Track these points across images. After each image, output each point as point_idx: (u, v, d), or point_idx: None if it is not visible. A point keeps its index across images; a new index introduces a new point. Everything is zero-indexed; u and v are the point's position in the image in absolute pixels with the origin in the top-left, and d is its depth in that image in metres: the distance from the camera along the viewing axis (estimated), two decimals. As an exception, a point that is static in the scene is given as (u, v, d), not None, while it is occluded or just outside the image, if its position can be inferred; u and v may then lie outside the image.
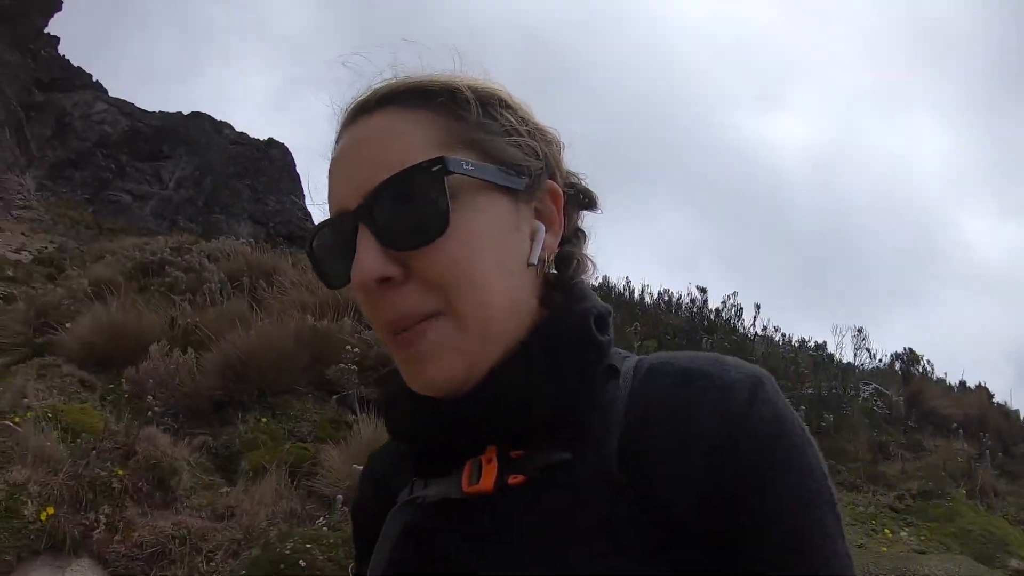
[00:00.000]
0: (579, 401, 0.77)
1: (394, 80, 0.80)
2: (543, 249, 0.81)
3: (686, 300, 14.80)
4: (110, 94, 46.06)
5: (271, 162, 45.33)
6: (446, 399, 0.77)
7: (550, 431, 0.75)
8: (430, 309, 0.74)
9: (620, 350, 0.84)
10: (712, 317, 13.67)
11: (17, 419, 4.98)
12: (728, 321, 13.74)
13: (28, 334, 9.02)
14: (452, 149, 0.75)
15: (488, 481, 0.75)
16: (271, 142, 47.34)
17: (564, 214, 0.85)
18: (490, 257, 0.75)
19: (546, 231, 0.82)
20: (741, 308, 13.85)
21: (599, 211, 0.92)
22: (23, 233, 27.45)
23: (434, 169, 0.72)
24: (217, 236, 19.78)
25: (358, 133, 0.79)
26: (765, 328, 14.21)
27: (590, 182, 0.92)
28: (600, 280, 14.15)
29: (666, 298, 14.78)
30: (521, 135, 0.80)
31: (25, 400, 5.66)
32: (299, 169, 42.66)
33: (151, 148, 42.89)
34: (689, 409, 0.72)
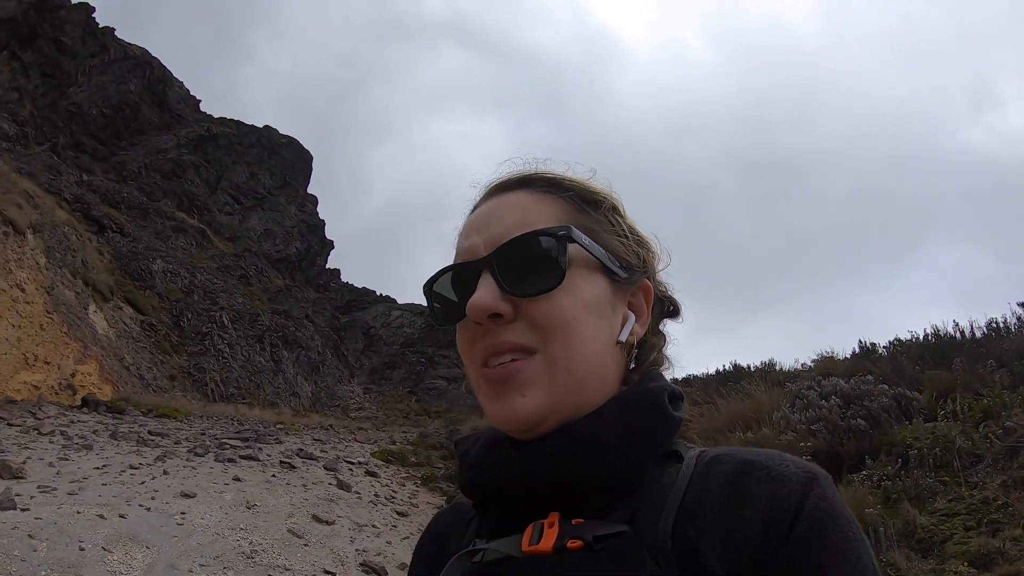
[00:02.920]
0: (643, 463, 0.83)
1: (533, 170, 0.96)
2: (631, 334, 0.91)
3: (1012, 321, 13.04)
4: (399, 302, 50.38)
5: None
6: (520, 440, 0.85)
7: (612, 499, 0.81)
8: (527, 343, 0.84)
9: (686, 442, 0.89)
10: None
11: None
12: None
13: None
14: (584, 235, 0.88)
15: (548, 543, 0.78)
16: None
17: (652, 312, 0.95)
18: (588, 320, 0.85)
19: (635, 321, 0.92)
20: (1074, 308, 11.88)
21: (680, 320, 1.02)
22: (377, 428, 29.06)
23: (560, 234, 0.86)
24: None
25: (496, 203, 0.93)
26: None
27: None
28: (930, 329, 13.30)
29: (993, 326, 13.15)
30: (626, 238, 0.93)
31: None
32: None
33: (450, 336, 44.99)
34: (744, 494, 0.76)
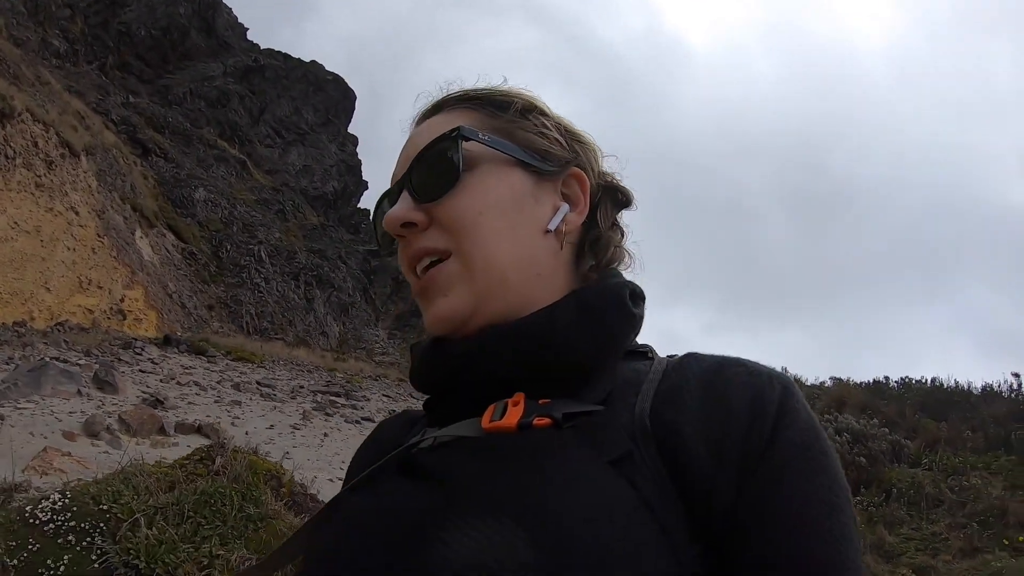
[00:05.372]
0: (601, 356, 0.81)
1: (444, 94, 0.97)
2: (564, 223, 0.90)
3: (1004, 388, 13.96)
4: (428, 249, 50.93)
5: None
6: (459, 338, 0.84)
7: (580, 384, 0.79)
8: (440, 247, 0.85)
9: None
10: (1026, 402, 13.56)
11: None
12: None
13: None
14: (481, 132, 0.88)
15: (512, 419, 0.75)
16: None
17: (591, 199, 0.94)
18: (498, 214, 0.85)
19: (569, 210, 0.91)
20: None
21: (634, 207, 1.00)
22: (404, 375, 29.65)
23: (452, 135, 0.86)
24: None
25: (413, 132, 0.96)
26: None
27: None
28: (931, 380, 15.07)
29: (988, 389, 14.17)
30: (550, 131, 0.92)
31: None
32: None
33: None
34: (726, 385, 0.75)
